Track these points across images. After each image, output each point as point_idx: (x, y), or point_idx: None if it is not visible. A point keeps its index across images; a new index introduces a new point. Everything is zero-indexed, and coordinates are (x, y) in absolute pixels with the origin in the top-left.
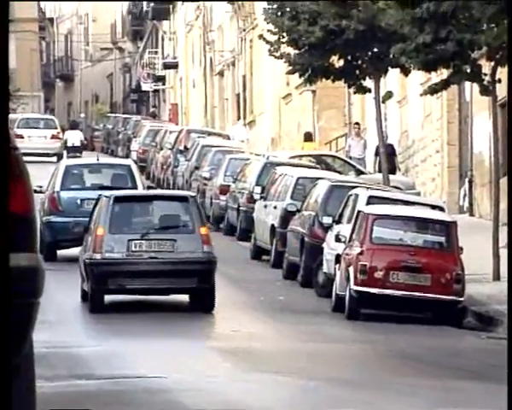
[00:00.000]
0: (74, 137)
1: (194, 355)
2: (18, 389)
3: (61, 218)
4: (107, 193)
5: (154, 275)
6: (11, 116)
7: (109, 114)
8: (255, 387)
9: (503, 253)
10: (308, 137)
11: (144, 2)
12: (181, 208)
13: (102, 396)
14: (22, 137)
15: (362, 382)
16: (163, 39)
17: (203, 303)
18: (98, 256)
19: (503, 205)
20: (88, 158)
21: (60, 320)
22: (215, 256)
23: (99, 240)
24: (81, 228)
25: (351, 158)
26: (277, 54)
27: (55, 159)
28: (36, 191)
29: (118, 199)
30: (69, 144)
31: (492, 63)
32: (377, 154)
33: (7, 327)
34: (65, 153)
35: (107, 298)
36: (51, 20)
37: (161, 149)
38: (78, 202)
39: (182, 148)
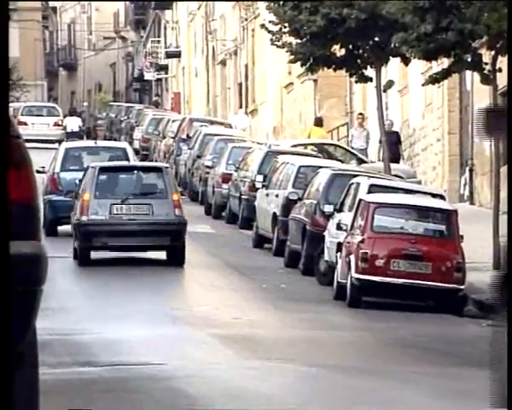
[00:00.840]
0: (73, 123)
1: (195, 342)
2: (22, 376)
3: (60, 197)
4: (94, 164)
5: (132, 234)
6: (15, 104)
7: (112, 103)
8: (257, 374)
9: (504, 241)
10: (318, 122)
11: None
12: (156, 178)
13: (105, 383)
14: (26, 124)
15: (363, 369)
16: (165, 28)
17: (176, 258)
18: (84, 218)
19: (504, 194)
20: (86, 141)
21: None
22: (185, 218)
23: (85, 204)
24: None
25: (353, 148)
26: (279, 43)
27: (57, 145)
28: (38, 172)
29: (102, 169)
30: (68, 130)
31: (493, 52)
32: (381, 141)
33: (7, 317)
34: (64, 142)
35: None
36: (54, 9)
37: (164, 137)
38: (77, 181)
39: (184, 136)
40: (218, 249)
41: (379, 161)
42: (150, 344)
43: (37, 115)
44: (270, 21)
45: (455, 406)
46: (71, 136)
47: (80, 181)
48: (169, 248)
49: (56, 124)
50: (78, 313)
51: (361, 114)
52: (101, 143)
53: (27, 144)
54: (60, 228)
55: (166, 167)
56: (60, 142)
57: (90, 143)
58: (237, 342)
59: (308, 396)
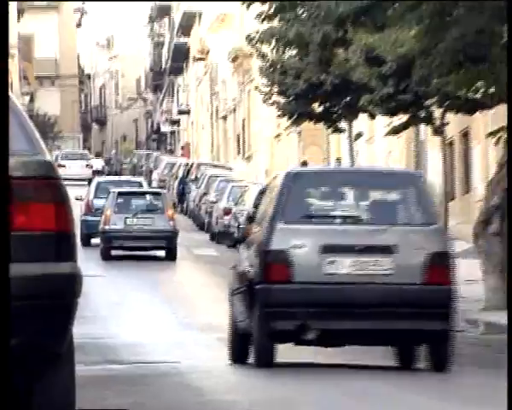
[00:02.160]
0: (97, 164)
1: (203, 345)
2: (62, 372)
3: (93, 217)
4: (113, 189)
5: (140, 238)
6: (56, 152)
7: (135, 151)
8: (254, 370)
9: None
10: (304, 165)
11: (163, 61)
12: (157, 200)
13: (128, 378)
14: (64, 167)
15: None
16: (178, 91)
17: (170, 256)
18: (107, 227)
19: (452, 222)
20: (112, 177)
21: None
22: (177, 228)
23: (108, 218)
24: None
25: None
26: (270, 102)
27: (86, 182)
28: (77, 199)
29: (120, 193)
30: (94, 169)
31: (441, 110)
32: None
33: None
34: (95, 177)
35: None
36: (88, 76)
37: (176, 178)
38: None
39: (193, 177)
40: (221, 269)
41: None
42: (165, 346)
43: (72, 160)
44: (262, 84)
45: (428, 399)
46: (96, 173)
47: (106, 201)
48: (165, 249)
49: (87, 166)
50: (106, 321)
51: (338, 158)
52: (122, 177)
53: (66, 182)
54: (93, 240)
55: (163, 192)
56: (89, 179)
57: (115, 177)
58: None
59: (296, 387)
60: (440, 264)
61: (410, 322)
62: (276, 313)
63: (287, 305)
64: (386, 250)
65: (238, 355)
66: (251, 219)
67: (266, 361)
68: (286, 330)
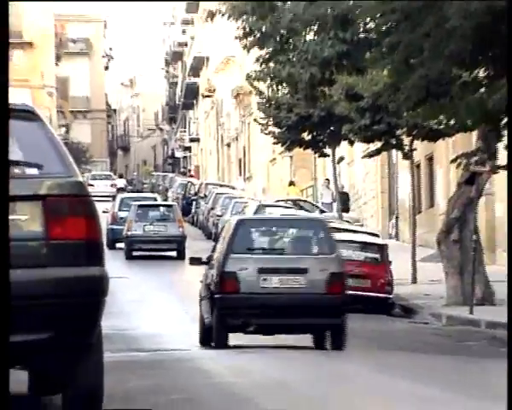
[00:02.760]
0: (120, 183)
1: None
2: (92, 359)
3: (117, 226)
4: (135, 203)
5: (155, 242)
6: (87, 174)
7: (153, 173)
8: (255, 355)
9: (419, 265)
10: (291, 183)
11: (177, 98)
12: (169, 210)
13: (148, 363)
14: (93, 186)
15: (325, 350)
16: (189, 122)
17: (180, 256)
18: (129, 233)
19: (419, 232)
20: (132, 193)
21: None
22: (185, 233)
23: (130, 225)
24: None
25: (323, 204)
26: (266, 132)
27: (111, 198)
28: (104, 212)
29: (139, 206)
30: (118, 187)
31: (410, 138)
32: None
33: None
34: (118, 194)
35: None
36: (114, 110)
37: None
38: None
39: (202, 195)
40: None
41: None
42: (178, 336)
43: (99, 180)
44: (260, 117)
45: (390, 377)
46: (119, 191)
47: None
48: (176, 250)
49: (111, 185)
50: (129, 316)
51: (327, 179)
52: (140, 194)
53: (94, 198)
54: (117, 245)
55: (175, 205)
56: (113, 196)
57: (135, 194)
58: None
59: (291, 367)
60: (336, 280)
61: (317, 318)
62: (228, 313)
63: (235, 308)
64: (301, 271)
65: (205, 341)
66: (214, 248)
67: (222, 344)
68: (235, 324)
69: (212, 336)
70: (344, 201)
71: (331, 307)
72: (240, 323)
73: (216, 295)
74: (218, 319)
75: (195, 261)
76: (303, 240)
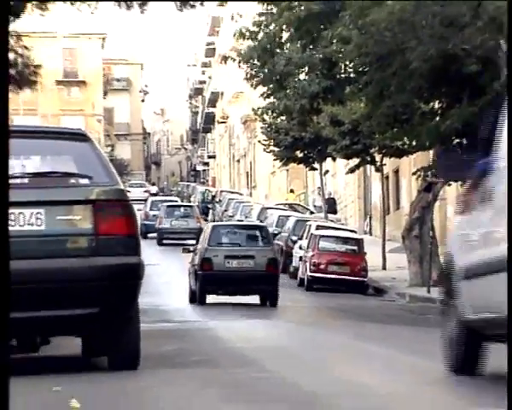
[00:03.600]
0: (153, 189)
1: (223, 310)
2: (131, 329)
3: (149, 222)
4: (164, 203)
5: (179, 233)
6: (126, 183)
7: (179, 183)
8: (260, 325)
9: (388, 255)
10: (291, 191)
11: (198, 124)
12: (191, 210)
13: (176, 331)
14: (130, 192)
15: (314, 322)
16: (208, 143)
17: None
18: (160, 226)
19: (388, 229)
20: (159, 197)
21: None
22: (202, 227)
23: (160, 220)
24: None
25: (315, 207)
26: (268, 150)
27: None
28: (138, 210)
29: (168, 206)
30: (151, 192)
31: (381, 155)
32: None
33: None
34: (149, 197)
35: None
36: (149, 133)
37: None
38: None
39: (217, 200)
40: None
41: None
42: (199, 311)
43: (135, 187)
44: (263, 139)
45: (364, 343)
46: (152, 195)
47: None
48: (195, 239)
49: (145, 191)
50: (161, 294)
51: (319, 187)
52: (166, 198)
53: (132, 202)
54: (149, 235)
55: (194, 205)
56: (145, 199)
57: (162, 197)
58: (247, 310)
59: (288, 336)
60: (272, 263)
61: (260, 286)
62: (206, 283)
63: (210, 280)
64: (250, 257)
65: (191, 300)
66: (197, 242)
67: (203, 302)
68: (210, 289)
69: (195, 297)
70: (331, 204)
71: (268, 279)
72: (213, 288)
73: (198, 272)
74: (200, 287)
75: (185, 250)
76: (252, 238)
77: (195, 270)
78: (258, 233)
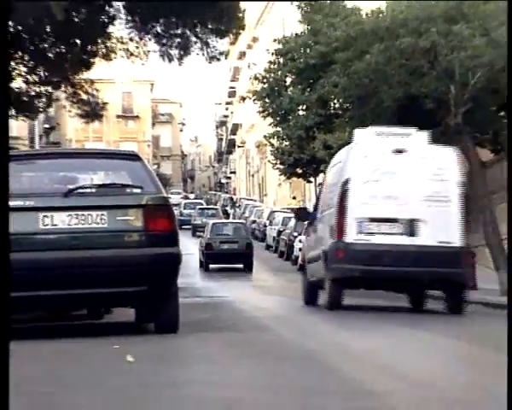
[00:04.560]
0: (191, 196)
1: (243, 287)
2: (172, 303)
3: (183, 218)
4: (198, 206)
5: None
6: (169, 192)
7: (208, 192)
8: (270, 300)
9: None
10: (294, 198)
11: (223, 147)
12: (215, 210)
13: (206, 305)
14: (170, 198)
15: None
16: (230, 162)
17: None
18: (194, 222)
19: None
20: (189, 200)
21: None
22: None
23: (195, 218)
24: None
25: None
26: (275, 168)
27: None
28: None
29: (199, 208)
30: (190, 198)
31: None
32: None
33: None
34: (182, 200)
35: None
36: (185, 155)
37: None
38: (188, 214)
39: (237, 205)
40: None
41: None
42: (223, 289)
43: (174, 194)
44: (272, 159)
45: (342, 311)
46: (186, 199)
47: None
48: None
49: (182, 197)
50: (194, 276)
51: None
52: (196, 200)
53: (172, 206)
54: (183, 226)
55: (218, 208)
56: (180, 205)
57: (193, 200)
58: (261, 288)
59: (290, 308)
60: (248, 246)
61: (242, 259)
62: (209, 258)
63: (211, 256)
64: (235, 242)
65: (201, 267)
66: (204, 232)
67: (207, 268)
68: (212, 262)
69: (203, 266)
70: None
71: (246, 256)
72: (213, 261)
73: (204, 251)
74: (205, 260)
75: (195, 235)
76: (236, 230)
77: (202, 250)
78: (240, 227)
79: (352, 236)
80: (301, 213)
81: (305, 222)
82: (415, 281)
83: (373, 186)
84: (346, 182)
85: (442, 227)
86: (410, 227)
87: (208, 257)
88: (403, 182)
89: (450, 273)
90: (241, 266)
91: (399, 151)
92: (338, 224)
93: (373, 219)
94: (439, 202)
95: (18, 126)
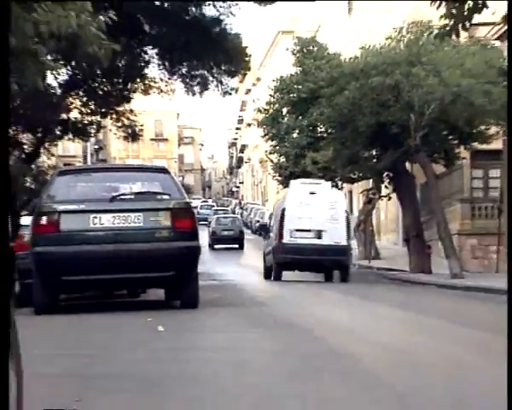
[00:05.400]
0: (210, 201)
1: (248, 273)
2: (193, 285)
3: (200, 216)
4: (213, 208)
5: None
6: (191, 198)
7: (222, 198)
8: (274, 284)
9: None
10: None
11: (234, 163)
12: (225, 211)
13: (219, 285)
14: (192, 202)
15: (302, 281)
16: (239, 174)
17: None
18: (211, 221)
19: None
20: (205, 203)
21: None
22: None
23: (212, 218)
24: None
25: None
26: (274, 179)
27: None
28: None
29: (215, 209)
30: (208, 203)
31: (341, 182)
32: None
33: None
34: (199, 203)
35: None
36: (204, 169)
37: (234, 208)
38: (203, 213)
39: (244, 208)
40: (253, 243)
41: None
42: (232, 274)
43: (195, 200)
44: (271, 172)
45: (327, 290)
46: (203, 202)
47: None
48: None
49: (201, 202)
50: (211, 264)
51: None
52: (209, 203)
53: (193, 208)
54: (200, 223)
55: (229, 210)
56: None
57: (207, 203)
58: (259, 274)
59: (291, 289)
60: (241, 235)
61: (238, 241)
62: (214, 241)
63: (215, 240)
64: (232, 230)
65: (209, 246)
66: (209, 225)
67: (213, 249)
68: (216, 244)
69: (211, 247)
70: None
71: (239, 239)
72: (217, 243)
73: (211, 236)
74: (211, 243)
75: (260, 229)
76: (233, 221)
77: (210, 235)
78: (236, 219)
79: (286, 239)
80: (263, 228)
81: (266, 232)
82: (322, 264)
83: (298, 211)
84: (283, 209)
85: (335, 234)
86: (318, 234)
87: (214, 241)
88: (314, 209)
89: (340, 260)
90: (236, 246)
91: (313, 193)
92: (279, 232)
93: (297, 230)
94: (334, 220)
95: (74, 147)
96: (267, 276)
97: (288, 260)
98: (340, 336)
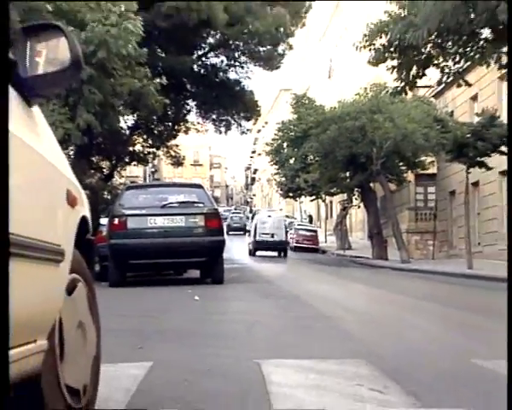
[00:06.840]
0: (232, 208)
1: (258, 261)
2: (220, 267)
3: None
4: (230, 211)
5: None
6: (219, 206)
7: (240, 206)
8: (274, 266)
9: (328, 237)
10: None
11: (248, 180)
12: (241, 215)
13: (238, 268)
14: (219, 209)
15: (298, 264)
16: (252, 189)
17: (245, 232)
18: (230, 222)
19: (328, 226)
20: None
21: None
22: (246, 223)
23: (230, 220)
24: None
25: (303, 218)
26: (277, 193)
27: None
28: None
29: (232, 212)
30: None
31: (325, 194)
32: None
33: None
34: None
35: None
36: (228, 185)
37: (249, 213)
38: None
39: (256, 213)
40: None
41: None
42: (247, 260)
43: (221, 207)
44: (275, 187)
45: (320, 272)
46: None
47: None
48: (247, 231)
49: (225, 210)
50: (232, 252)
51: (305, 210)
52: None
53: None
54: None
55: (242, 213)
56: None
57: (226, 207)
58: (269, 261)
59: (288, 269)
60: (243, 226)
61: (240, 231)
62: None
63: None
64: (237, 223)
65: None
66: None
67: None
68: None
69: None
70: (311, 218)
71: (241, 229)
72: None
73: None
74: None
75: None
76: (239, 220)
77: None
78: (244, 220)
79: (257, 237)
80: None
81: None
82: (275, 248)
83: (262, 224)
84: (256, 224)
85: (279, 235)
86: (272, 235)
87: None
88: (270, 224)
89: (282, 246)
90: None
91: (269, 216)
92: (254, 234)
93: (262, 233)
94: (278, 228)
95: (137, 170)
96: (250, 254)
97: (258, 246)
98: (323, 303)
